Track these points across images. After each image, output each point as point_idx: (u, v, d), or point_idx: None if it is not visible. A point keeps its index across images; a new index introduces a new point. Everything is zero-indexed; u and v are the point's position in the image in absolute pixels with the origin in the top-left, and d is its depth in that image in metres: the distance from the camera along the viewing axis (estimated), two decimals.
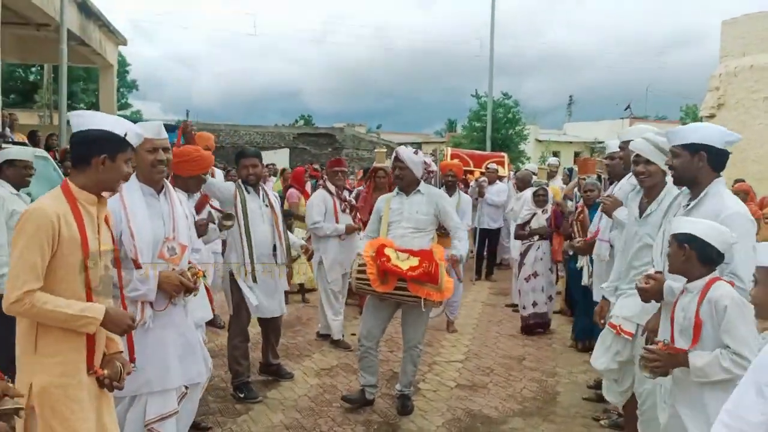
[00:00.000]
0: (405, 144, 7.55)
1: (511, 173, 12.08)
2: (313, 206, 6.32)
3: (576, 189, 7.66)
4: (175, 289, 3.05)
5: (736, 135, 2.96)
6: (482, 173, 10.64)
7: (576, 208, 6.60)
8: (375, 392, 4.72)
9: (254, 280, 4.69)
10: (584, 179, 6.58)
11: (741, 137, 3.13)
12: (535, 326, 6.97)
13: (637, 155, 3.49)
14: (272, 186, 10.56)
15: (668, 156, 3.07)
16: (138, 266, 2.96)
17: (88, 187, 2.42)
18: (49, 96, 20.98)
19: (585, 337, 6.02)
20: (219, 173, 7.58)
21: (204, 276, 3.32)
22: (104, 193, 2.52)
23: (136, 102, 40.01)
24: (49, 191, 2.43)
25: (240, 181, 4.86)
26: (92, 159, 2.40)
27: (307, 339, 6.51)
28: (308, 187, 9.56)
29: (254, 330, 5.20)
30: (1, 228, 4.07)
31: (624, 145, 4.19)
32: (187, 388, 3.23)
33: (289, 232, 5.26)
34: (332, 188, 6.36)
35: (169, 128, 3.87)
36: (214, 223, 4.20)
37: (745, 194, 8.12)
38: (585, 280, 5.51)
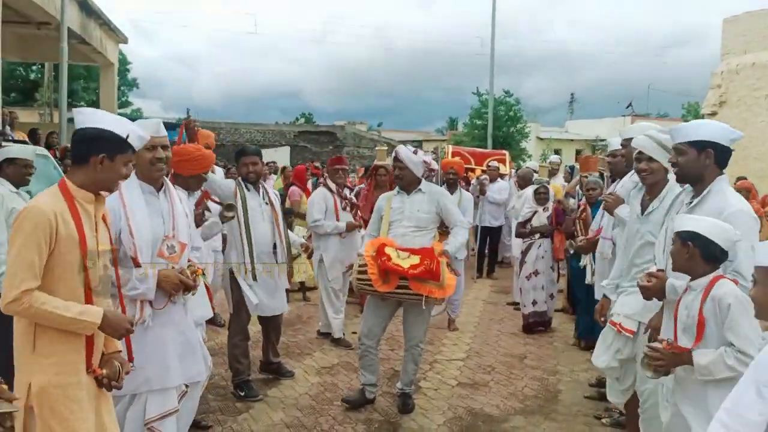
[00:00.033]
0: (406, 142, 7.54)
1: (513, 171, 12.05)
2: (313, 204, 6.30)
3: (578, 187, 7.65)
4: (175, 287, 3.04)
5: (739, 132, 2.95)
6: (483, 171, 10.62)
7: (578, 206, 6.58)
8: (375, 391, 4.71)
9: (254, 278, 4.68)
10: (586, 177, 6.56)
11: (743, 135, 3.11)
12: (534, 325, 6.95)
13: (640, 152, 3.47)
14: (273, 184, 10.55)
15: (671, 153, 3.05)
16: (137, 264, 2.95)
17: (86, 186, 2.40)
18: (49, 94, 20.97)
19: (588, 336, 6.00)
20: (219, 171, 7.56)
21: (203, 274, 3.31)
22: (102, 192, 2.50)
23: (137, 100, 39.94)
24: (47, 189, 2.41)
25: (240, 178, 4.84)
26: (91, 158, 2.38)
27: (308, 337, 6.50)
28: (309, 185, 9.55)
29: (254, 328, 5.20)
30: (0, 226, 4.06)
31: (626, 142, 4.17)
32: (187, 386, 3.22)
33: (288, 231, 5.24)
34: (333, 186, 6.34)
35: (169, 126, 3.85)
36: (209, 211, 4.16)
37: (747, 192, 8.09)
38: (588, 279, 5.50)
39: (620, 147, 4.45)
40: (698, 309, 2.58)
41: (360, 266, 4.28)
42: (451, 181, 7.29)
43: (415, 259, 4.19)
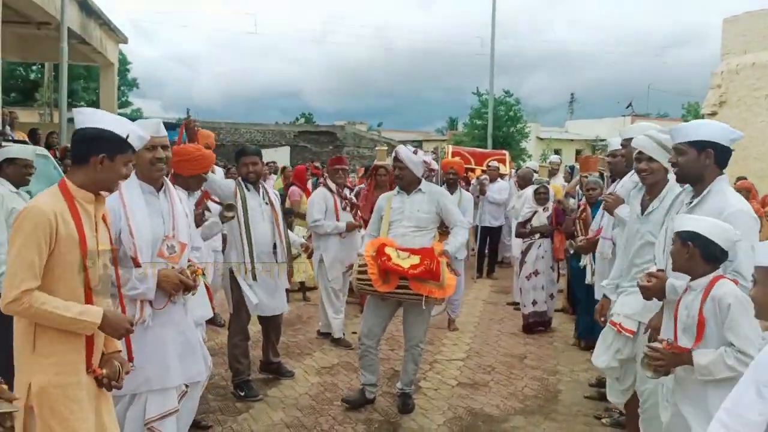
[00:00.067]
0: (406, 142, 7.54)
1: (513, 171, 12.05)
2: (313, 204, 6.30)
3: (578, 187, 7.65)
4: (174, 287, 3.04)
5: (739, 132, 2.95)
6: (483, 171, 10.62)
7: (579, 206, 6.58)
8: (375, 391, 4.70)
9: (254, 278, 4.68)
10: (586, 177, 6.56)
11: (743, 135, 3.11)
12: (534, 325, 6.95)
13: (640, 152, 3.47)
14: (273, 184, 10.55)
15: (671, 153, 3.05)
16: (137, 264, 2.95)
17: (86, 186, 2.40)
18: (49, 94, 20.97)
19: (588, 336, 6.00)
20: (219, 171, 7.56)
21: (203, 274, 3.30)
22: (102, 192, 2.50)
23: (137, 100, 39.91)
24: (47, 189, 2.41)
25: (240, 178, 4.84)
26: (91, 157, 2.38)
27: (308, 337, 6.50)
28: (309, 185, 9.55)
29: (255, 328, 5.20)
30: (0, 226, 4.05)
31: (626, 142, 4.17)
32: (187, 386, 3.22)
33: (288, 231, 5.24)
34: (333, 186, 6.34)
35: (169, 126, 3.85)
36: (209, 211, 4.16)
37: (747, 192, 8.09)
38: (588, 279, 5.50)
39: (620, 147, 4.45)
40: (698, 309, 2.58)
41: (360, 266, 4.27)
42: (451, 181, 7.29)
43: (415, 259, 4.19)
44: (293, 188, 8.44)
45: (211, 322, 5.98)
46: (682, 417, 2.67)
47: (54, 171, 6.43)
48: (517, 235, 7.39)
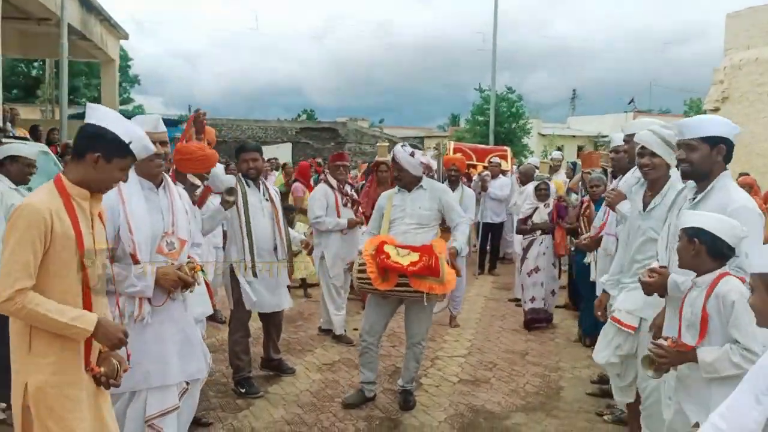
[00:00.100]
0: (407, 138, 7.52)
1: (514, 167, 12.03)
2: (314, 201, 6.28)
3: (580, 183, 7.62)
4: (173, 284, 3.03)
5: (738, 127, 2.93)
6: (485, 167, 10.60)
7: (581, 202, 6.56)
8: (374, 389, 4.69)
9: (254, 274, 4.66)
10: (588, 173, 6.54)
11: (743, 130, 3.10)
12: (532, 321, 6.93)
13: (642, 147, 3.45)
14: (274, 180, 10.52)
15: (674, 149, 3.02)
16: (136, 261, 2.93)
17: (80, 183, 2.37)
18: (51, 91, 20.94)
19: (592, 333, 5.97)
20: (219, 167, 7.54)
21: (202, 271, 3.29)
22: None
23: (139, 97, 39.84)
24: (42, 186, 2.38)
25: (240, 175, 4.82)
26: (87, 154, 2.36)
27: (309, 334, 6.49)
28: (312, 181, 9.53)
29: (255, 325, 5.18)
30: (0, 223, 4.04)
31: (628, 138, 4.14)
32: (188, 384, 3.21)
33: (288, 227, 5.22)
34: (334, 182, 6.32)
35: (170, 123, 3.83)
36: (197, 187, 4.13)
37: (749, 188, 8.04)
38: (593, 276, 5.47)
39: (623, 143, 4.42)
40: (701, 306, 2.56)
41: (360, 265, 4.26)
42: (453, 177, 7.27)
43: (415, 256, 4.17)
44: (296, 184, 8.41)
45: (212, 318, 5.97)
46: (684, 415, 2.66)
47: (54, 168, 6.41)
48: (518, 232, 7.37)
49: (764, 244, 2.58)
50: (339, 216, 6.21)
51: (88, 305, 2.35)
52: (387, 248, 4.21)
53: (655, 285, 2.89)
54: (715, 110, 16.14)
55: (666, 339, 2.64)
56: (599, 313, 3.87)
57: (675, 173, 3.34)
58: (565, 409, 4.69)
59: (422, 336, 4.60)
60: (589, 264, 5.63)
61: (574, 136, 37.23)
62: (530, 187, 7.55)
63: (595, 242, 5.07)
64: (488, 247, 10.33)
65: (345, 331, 6.27)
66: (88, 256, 2.32)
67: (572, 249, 5.99)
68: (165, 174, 3.28)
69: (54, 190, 2.33)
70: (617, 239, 4.35)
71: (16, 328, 2.29)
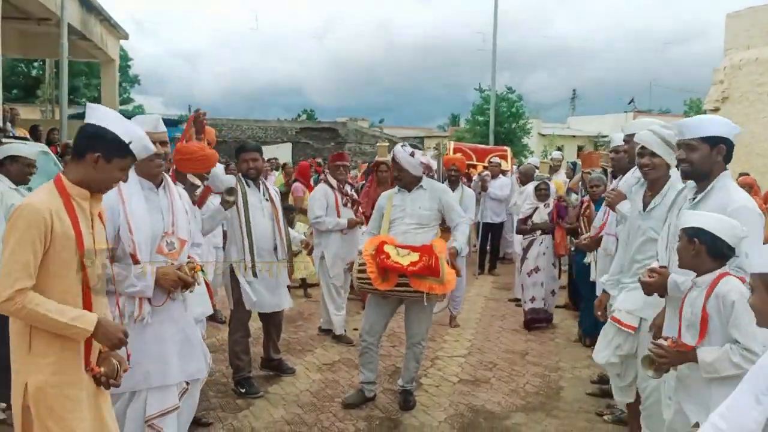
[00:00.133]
0: (407, 138, 7.52)
1: (514, 167, 12.03)
2: (314, 201, 6.28)
3: (580, 183, 7.62)
4: (173, 284, 3.03)
5: (738, 127, 2.94)
6: (485, 167, 10.60)
7: (581, 202, 6.56)
8: (374, 389, 4.69)
9: (254, 274, 4.66)
10: (588, 173, 6.54)
11: (743, 130, 3.10)
12: (531, 321, 6.93)
13: (642, 147, 3.45)
14: (274, 180, 10.52)
15: (674, 149, 3.02)
16: (136, 261, 2.93)
17: (80, 183, 2.37)
18: (51, 91, 20.94)
19: (592, 333, 5.97)
20: (219, 167, 7.54)
21: (203, 271, 3.29)
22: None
23: (139, 97, 39.84)
24: (42, 185, 2.38)
25: (240, 175, 4.82)
26: (87, 154, 2.36)
27: (309, 334, 6.49)
28: (312, 181, 9.52)
29: (255, 325, 5.18)
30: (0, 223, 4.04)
31: (628, 138, 4.14)
32: (188, 384, 3.21)
33: (288, 227, 5.22)
34: (334, 182, 6.32)
35: (170, 123, 3.83)
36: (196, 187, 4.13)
37: (749, 188, 8.04)
38: (593, 276, 5.47)
39: (623, 143, 4.42)
40: (701, 306, 2.55)
41: (360, 265, 4.26)
42: (453, 177, 7.26)
43: (414, 256, 4.17)
44: (296, 184, 8.41)
45: (212, 318, 5.98)
46: (684, 415, 2.66)
47: (54, 167, 6.41)
48: (518, 232, 7.37)
49: (764, 244, 2.58)
50: (339, 216, 6.21)
51: (88, 305, 2.35)
52: (387, 248, 4.21)
53: (655, 285, 2.89)
54: (715, 110, 16.13)
55: (666, 339, 2.64)
56: (599, 313, 3.87)
57: (675, 173, 3.34)
58: (565, 409, 4.69)
59: (422, 336, 4.60)
60: (589, 264, 5.63)
61: (574, 136, 37.23)
62: (530, 187, 7.55)
63: (595, 242, 5.07)
64: (488, 247, 10.33)
65: (345, 331, 6.27)
66: (88, 256, 2.32)
67: (572, 249, 5.99)
68: (165, 174, 3.27)
69: (54, 190, 2.33)
70: (617, 239, 4.36)
71: (16, 328, 2.29)
